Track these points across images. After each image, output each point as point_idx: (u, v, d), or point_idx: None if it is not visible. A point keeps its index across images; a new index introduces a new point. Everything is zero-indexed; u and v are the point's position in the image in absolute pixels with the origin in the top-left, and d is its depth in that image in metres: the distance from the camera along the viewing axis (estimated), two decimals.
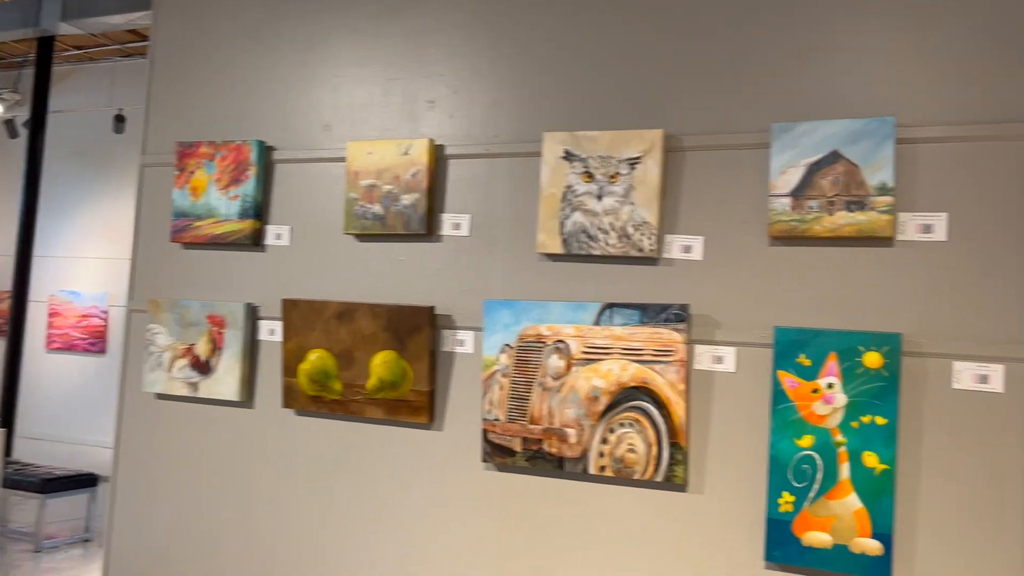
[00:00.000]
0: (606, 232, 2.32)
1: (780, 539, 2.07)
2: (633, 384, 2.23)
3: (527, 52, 2.49)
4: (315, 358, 2.62)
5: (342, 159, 2.67)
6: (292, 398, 2.68)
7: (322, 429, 2.67)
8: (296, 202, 2.77)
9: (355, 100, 2.72)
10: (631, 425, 2.24)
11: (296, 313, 2.65)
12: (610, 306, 2.28)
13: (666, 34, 2.33)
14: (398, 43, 2.67)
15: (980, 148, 2.00)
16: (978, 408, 1.96)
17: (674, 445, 2.19)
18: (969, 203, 2.00)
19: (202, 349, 2.82)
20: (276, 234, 2.78)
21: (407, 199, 2.56)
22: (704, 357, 2.22)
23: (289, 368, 2.67)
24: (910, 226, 2.05)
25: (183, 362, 2.84)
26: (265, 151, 2.81)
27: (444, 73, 2.60)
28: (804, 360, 2.07)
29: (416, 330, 2.49)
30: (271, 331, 2.76)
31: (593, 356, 2.28)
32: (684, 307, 2.20)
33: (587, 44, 2.42)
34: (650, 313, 2.23)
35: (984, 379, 1.95)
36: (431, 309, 2.50)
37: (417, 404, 2.50)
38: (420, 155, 2.55)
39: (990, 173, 1.99)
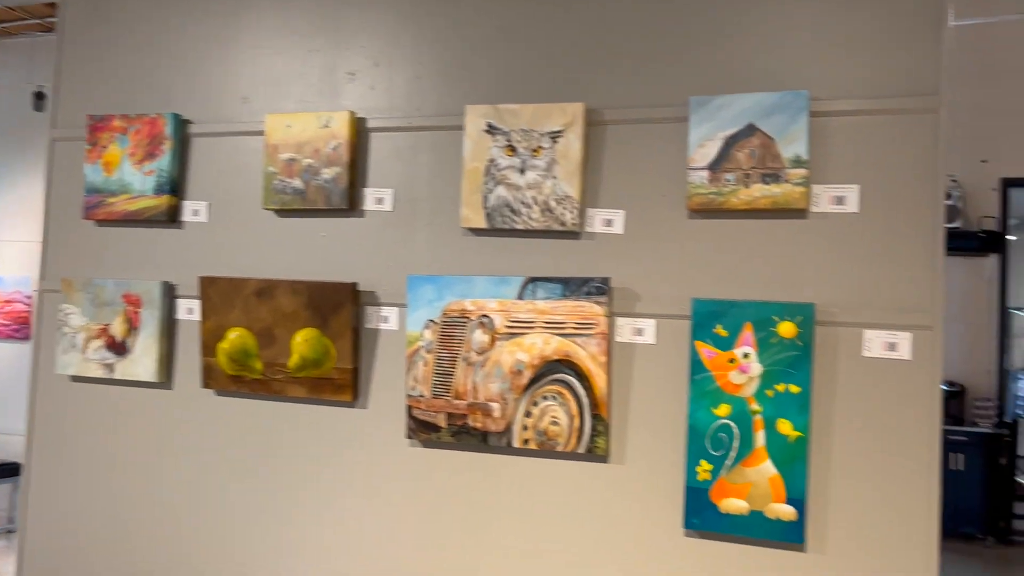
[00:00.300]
0: (529, 206, 2.31)
1: (698, 507, 2.10)
2: (556, 357, 2.24)
3: (449, 24, 2.45)
4: (235, 337, 2.56)
5: (260, 132, 2.60)
6: (212, 378, 2.61)
7: (243, 409, 2.62)
8: (214, 177, 2.70)
9: (274, 72, 2.65)
10: (554, 398, 2.24)
11: (214, 291, 2.58)
12: (533, 280, 2.28)
13: (588, 7, 2.32)
14: (318, 14, 2.60)
15: (890, 121, 2.04)
16: (887, 375, 2.02)
17: (596, 417, 2.21)
18: (879, 175, 2.05)
19: (118, 329, 2.73)
20: (193, 210, 2.70)
21: (328, 173, 2.51)
22: (625, 329, 2.23)
23: (208, 347, 2.60)
24: (823, 198, 2.09)
25: (98, 343, 2.75)
26: (181, 124, 2.72)
27: (365, 45, 2.55)
28: (721, 331, 2.10)
29: (338, 307, 2.45)
30: (189, 310, 2.69)
31: (516, 330, 2.28)
32: (605, 280, 2.21)
33: (510, 16, 2.39)
34: (572, 287, 2.24)
35: (893, 347, 2.01)
36: (354, 285, 2.46)
37: (340, 382, 2.47)
38: (341, 128, 2.50)
39: (899, 145, 2.04)
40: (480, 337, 2.31)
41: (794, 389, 2.03)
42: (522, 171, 2.32)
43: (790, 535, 2.03)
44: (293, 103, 2.62)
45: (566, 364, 2.23)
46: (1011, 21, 6.01)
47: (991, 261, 7.02)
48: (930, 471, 1.98)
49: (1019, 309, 7.72)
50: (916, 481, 1.98)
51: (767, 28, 2.16)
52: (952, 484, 6.74)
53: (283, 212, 2.59)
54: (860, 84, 2.07)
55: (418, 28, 2.49)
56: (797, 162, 2.07)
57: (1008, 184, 6.97)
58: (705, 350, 2.11)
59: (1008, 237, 7.16)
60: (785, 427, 2.03)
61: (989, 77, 6.96)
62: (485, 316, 2.31)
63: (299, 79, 2.62)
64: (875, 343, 2.02)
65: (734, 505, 2.07)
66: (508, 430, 2.28)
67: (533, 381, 2.26)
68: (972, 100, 6.90)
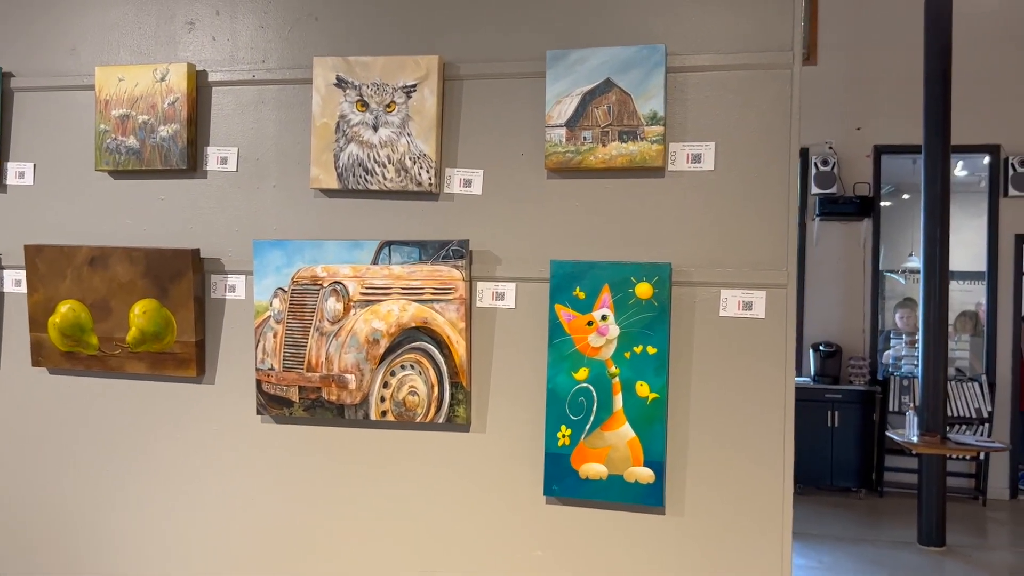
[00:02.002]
0: (383, 166, 2.18)
1: (558, 473, 2.05)
2: (413, 324, 2.13)
3: None
4: (66, 310, 2.35)
5: (91, 87, 2.37)
6: (43, 355, 2.39)
7: (79, 388, 2.41)
8: (40, 136, 2.45)
9: (105, 20, 2.41)
10: (412, 367, 2.14)
11: (42, 260, 2.35)
12: (388, 244, 2.16)
13: None
14: None
15: (746, 77, 2.01)
16: (743, 334, 2.00)
17: (455, 385, 2.12)
18: (736, 132, 2.02)
19: None
20: (18, 172, 2.45)
21: (165, 131, 2.31)
22: (485, 294, 2.15)
23: (37, 322, 2.38)
24: (680, 156, 2.04)
25: None
26: (1, 77, 2.45)
27: None
28: (579, 293, 2.04)
29: (179, 276, 2.27)
30: (16, 281, 2.45)
31: (372, 297, 2.16)
32: (464, 243, 2.11)
33: None
34: (429, 250, 2.13)
35: (748, 306, 2.00)
36: (195, 252, 2.28)
37: (184, 356, 2.29)
38: (178, 81, 2.30)
39: (755, 102, 2.01)
40: (333, 305, 2.18)
41: (651, 350, 2.00)
42: (375, 128, 2.18)
43: (649, 498, 2.00)
44: (127, 54, 2.40)
45: (424, 331, 2.13)
46: None
47: (865, 225, 7.32)
48: (784, 428, 1.98)
49: (891, 272, 8.11)
50: (771, 438, 1.99)
51: None
52: (829, 440, 7.08)
53: (117, 173, 2.38)
54: (717, 39, 2.03)
55: None
56: (654, 119, 2.02)
57: (881, 151, 7.26)
58: (564, 313, 2.05)
59: (881, 203, 7.48)
60: (643, 389, 2.00)
61: (864, 47, 7.20)
62: (338, 283, 2.17)
63: (133, 28, 2.39)
64: (731, 302, 2.01)
65: (593, 470, 2.02)
66: (365, 402, 2.17)
67: (390, 350, 2.15)
68: (847, 69, 7.13)
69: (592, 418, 2.03)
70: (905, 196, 8.24)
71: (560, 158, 2.07)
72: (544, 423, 2.07)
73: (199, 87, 2.33)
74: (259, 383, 2.24)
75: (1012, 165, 7.04)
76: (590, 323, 2.03)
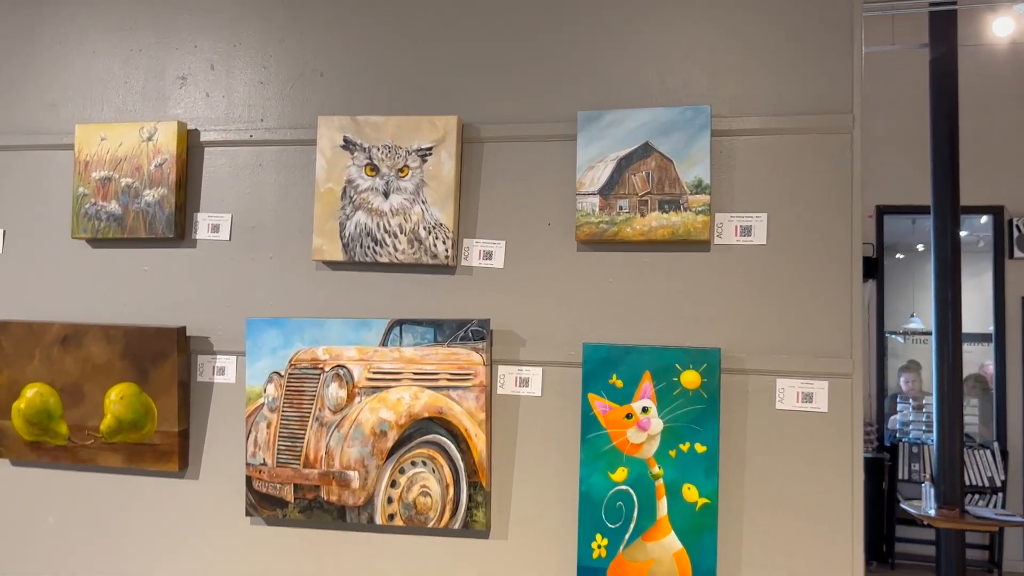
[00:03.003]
0: (394, 236, 1.96)
1: None
2: (427, 415, 1.89)
3: (301, 23, 2.09)
4: (33, 395, 2.08)
5: (70, 146, 2.15)
6: (5, 445, 2.12)
7: (46, 482, 2.13)
8: (12, 199, 2.21)
9: (89, 73, 2.20)
10: (424, 464, 1.89)
11: (7, 338, 2.09)
12: (399, 323, 1.92)
13: (464, 9, 2.00)
14: (145, 7, 2.18)
15: (800, 142, 1.82)
16: (803, 430, 1.77)
17: (474, 485, 1.87)
18: (789, 202, 1.82)
19: None
20: None
21: (151, 195, 2.08)
22: (508, 380, 1.91)
23: (0, 408, 2.11)
24: (728, 228, 1.83)
25: None
26: None
27: (200, 44, 2.14)
28: (616, 381, 1.80)
29: (162, 357, 2.02)
30: None
31: (380, 383, 1.91)
32: (484, 323, 1.88)
33: (372, 14, 2.05)
34: (446, 330, 1.90)
35: (808, 398, 1.77)
36: (181, 330, 2.03)
37: (165, 448, 2.03)
38: (167, 141, 2.08)
39: (809, 169, 1.81)
40: (336, 392, 1.93)
41: (700, 448, 1.76)
42: (386, 194, 1.97)
43: None
44: (111, 111, 2.18)
45: (439, 423, 1.88)
46: (885, 52, 6.15)
47: (869, 287, 7.16)
48: (853, 538, 1.74)
49: (892, 332, 7.93)
50: (837, 550, 1.74)
51: (666, 38, 1.90)
52: None
53: (96, 242, 2.14)
54: (766, 100, 1.84)
55: (264, 24, 2.11)
56: (698, 187, 1.82)
57: (883, 211, 7.15)
58: (599, 404, 1.81)
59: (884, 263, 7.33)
60: (691, 493, 1.75)
61: (865, 106, 7.13)
62: (341, 367, 1.93)
63: (119, 83, 2.18)
64: (788, 394, 1.78)
65: None
66: (370, 503, 1.91)
67: (399, 444, 1.90)
68: None
69: (632, 526, 1.77)
70: (899, 256, 8.12)
71: (593, 229, 1.86)
72: (576, 531, 1.82)
73: (190, 147, 2.11)
74: (249, 480, 1.97)
75: (1017, 226, 6.93)
76: (629, 416, 1.79)
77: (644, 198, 1.84)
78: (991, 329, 7.16)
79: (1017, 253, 6.94)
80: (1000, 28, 6.10)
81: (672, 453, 1.77)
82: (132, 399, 2.03)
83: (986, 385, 7.31)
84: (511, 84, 1.96)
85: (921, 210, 5.73)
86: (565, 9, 1.95)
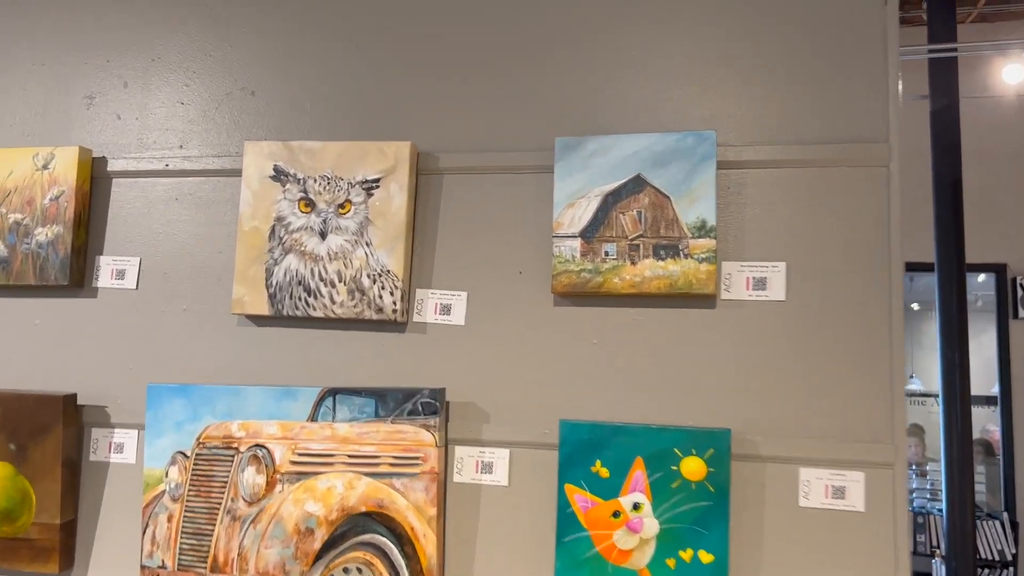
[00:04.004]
0: (332, 285, 1.61)
1: None
2: (364, 509, 1.51)
3: (230, 34, 1.77)
4: None
5: None
6: None
7: None
8: None
9: None
10: (360, 570, 1.51)
11: None
12: (333, 392, 1.56)
13: (420, 16, 1.69)
14: (51, 15, 1.86)
15: (824, 175, 1.49)
16: (834, 533, 1.40)
17: None
18: (813, 249, 1.48)
19: None
20: None
21: (44, 234, 1.73)
22: (466, 465, 1.54)
23: None
24: (738, 279, 1.49)
25: None
26: None
27: (112, 59, 1.82)
28: (601, 470, 1.44)
29: (45, 430, 1.64)
30: None
31: (307, 468, 1.54)
32: (438, 393, 1.52)
33: (313, 24, 1.74)
34: (390, 402, 1.54)
35: (840, 493, 1.41)
36: (70, 399, 1.66)
37: (44, 544, 1.64)
38: (66, 170, 1.74)
39: (838, 208, 1.48)
40: (252, 479, 1.55)
41: (705, 557, 1.39)
42: (323, 235, 1.62)
43: None
44: (5, 134, 1.85)
45: (378, 519, 1.51)
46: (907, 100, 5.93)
47: None
48: None
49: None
50: None
51: (661, 51, 1.59)
52: None
53: None
54: (784, 125, 1.52)
55: (187, 36, 1.79)
56: (701, 229, 1.48)
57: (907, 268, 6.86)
58: (579, 498, 1.44)
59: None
60: None
61: None
62: (260, 447, 1.56)
63: (16, 100, 1.85)
64: (815, 487, 1.42)
65: None
66: None
67: (329, 545, 1.52)
68: None
69: None
70: None
71: (573, 279, 1.52)
72: None
73: (94, 178, 1.77)
74: None
75: (1020, 285, 6.65)
76: (617, 514, 1.43)
77: (635, 242, 1.50)
78: (994, 391, 6.83)
79: (1022, 313, 6.66)
80: (1009, 76, 5.90)
81: (671, 563, 1.39)
82: (6, 483, 1.64)
83: (992, 450, 6.95)
84: (476, 105, 1.64)
85: (919, 267, 5.44)
86: (539, 15, 1.64)
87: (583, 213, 1.54)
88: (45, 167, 1.75)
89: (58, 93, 1.83)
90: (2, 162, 1.77)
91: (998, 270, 6.85)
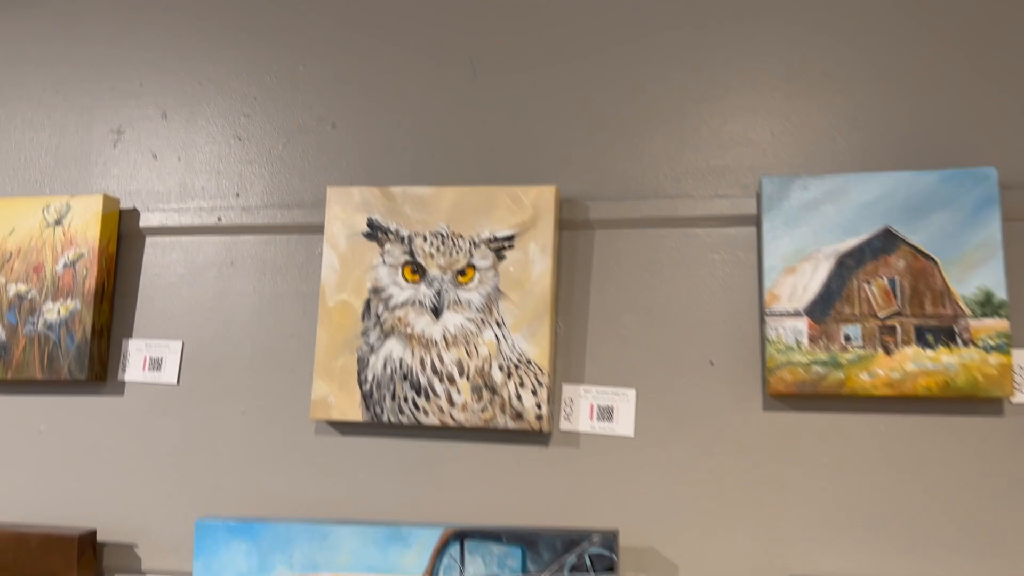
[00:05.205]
0: (450, 381, 1.18)
1: None
2: None
3: (297, 51, 1.36)
4: None
5: None
6: None
7: None
8: None
9: None
10: None
11: None
12: (461, 536, 1.11)
13: (563, 25, 1.28)
14: (67, 26, 1.46)
15: None
16: None
17: None
18: None
19: None
20: None
21: (55, 312, 1.30)
22: None
23: None
24: None
25: None
26: None
27: (146, 82, 1.41)
28: None
29: None
30: None
31: None
32: (611, 539, 1.07)
33: (409, 38, 1.32)
34: (544, 552, 1.09)
35: None
36: (87, 537, 1.22)
37: None
38: (86, 226, 1.31)
39: None
40: None
41: None
42: (436, 311, 1.19)
43: None
44: (5, 180, 1.43)
45: None
46: None
47: None
48: None
49: None
50: None
51: (903, 58, 1.18)
52: None
53: None
54: None
55: (242, 52, 1.38)
56: (986, 305, 1.05)
57: None
58: None
59: None
60: None
61: None
62: None
63: (22, 137, 1.44)
64: None
65: None
66: None
67: None
68: None
69: None
70: None
71: (799, 374, 1.08)
72: None
73: (121, 236, 1.35)
74: None
75: None
76: None
77: (890, 322, 1.07)
78: None
79: None
80: None
81: None
82: None
83: None
84: (640, 135, 1.22)
85: None
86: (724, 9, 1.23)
87: (809, 281, 1.11)
88: (58, 222, 1.32)
89: (76, 126, 1.41)
90: (2, 215, 1.34)
91: None
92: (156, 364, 1.30)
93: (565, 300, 1.20)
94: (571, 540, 1.08)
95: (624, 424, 1.17)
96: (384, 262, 1.23)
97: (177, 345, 1.30)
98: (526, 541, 1.09)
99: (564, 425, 1.18)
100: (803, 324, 1.10)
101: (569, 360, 1.19)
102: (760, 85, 1.20)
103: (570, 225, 1.22)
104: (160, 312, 1.32)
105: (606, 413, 1.18)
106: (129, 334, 1.32)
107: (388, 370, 1.20)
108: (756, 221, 1.16)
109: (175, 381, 1.29)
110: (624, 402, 1.17)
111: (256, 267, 1.30)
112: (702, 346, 1.16)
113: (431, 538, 1.11)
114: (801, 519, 1.09)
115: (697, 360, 1.15)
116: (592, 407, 1.18)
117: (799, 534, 1.08)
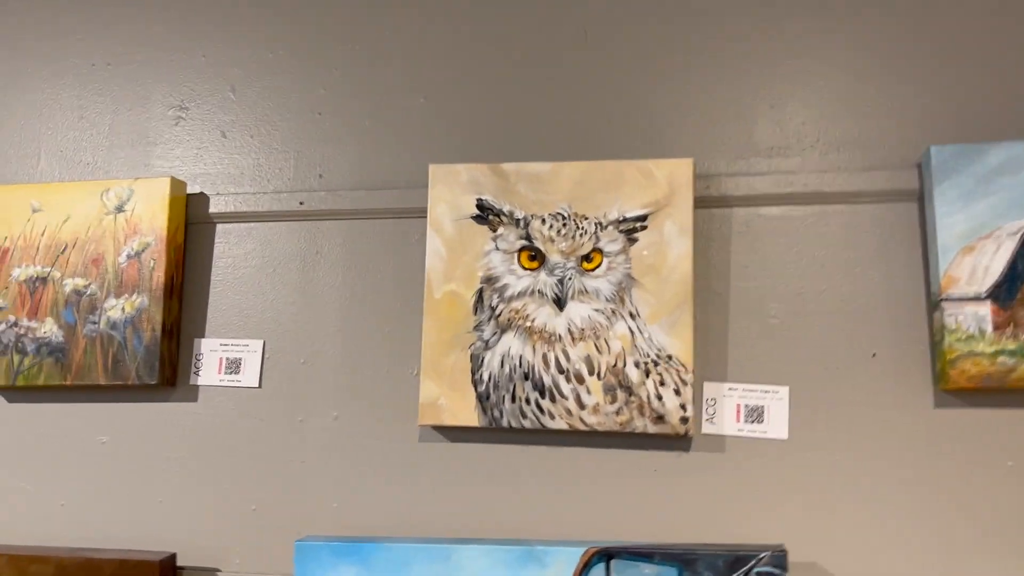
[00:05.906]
0: (579, 380, 1.05)
1: None
2: None
3: (385, 12, 1.22)
4: None
5: None
6: None
7: None
8: None
9: (14, 103, 1.31)
10: None
11: None
12: (606, 555, 0.98)
13: None
14: (126, 4, 1.31)
15: None
16: None
17: None
18: None
19: None
20: None
21: (119, 308, 1.16)
22: None
23: None
24: None
25: None
26: None
27: (210, 54, 1.26)
28: None
29: None
30: None
31: None
32: (780, 555, 0.95)
33: (511, 3, 1.19)
34: (705, 570, 0.96)
35: None
36: (167, 563, 1.07)
37: None
38: (152, 213, 1.17)
39: None
40: None
41: None
42: (559, 302, 1.06)
43: None
44: (53, 163, 1.28)
45: None
46: None
47: None
48: None
49: None
50: None
51: None
52: None
53: (14, 392, 1.20)
54: None
55: (321, 13, 1.24)
56: None
57: None
58: None
59: None
60: None
61: None
62: None
63: (71, 116, 1.29)
64: None
65: None
66: None
67: None
68: None
69: None
70: None
71: (983, 366, 0.96)
72: None
73: (190, 224, 1.20)
74: None
75: None
76: None
77: None
78: None
79: None
80: None
81: None
82: None
83: None
84: (786, 100, 1.10)
85: None
86: None
87: (991, 262, 0.98)
88: (119, 209, 1.18)
89: (133, 105, 1.27)
90: (54, 204, 1.19)
91: None
92: (234, 366, 1.16)
93: (702, 287, 1.08)
94: (736, 558, 0.95)
95: (777, 426, 1.04)
96: (497, 247, 1.09)
97: (258, 344, 1.16)
98: (683, 560, 0.96)
99: (707, 428, 1.05)
100: (986, 310, 0.97)
101: (708, 355, 1.06)
102: (917, 49, 1.08)
103: (706, 203, 1.09)
104: (234, 308, 1.18)
105: (755, 414, 1.05)
106: (201, 333, 1.18)
107: (507, 368, 1.06)
108: (918, 196, 1.04)
109: (257, 384, 1.15)
110: (776, 401, 1.05)
111: (347, 256, 1.16)
112: (861, 336, 1.03)
113: (572, 558, 0.98)
114: (983, 530, 0.97)
115: (857, 352, 1.03)
116: (739, 407, 1.05)
117: (980, 547, 0.96)
